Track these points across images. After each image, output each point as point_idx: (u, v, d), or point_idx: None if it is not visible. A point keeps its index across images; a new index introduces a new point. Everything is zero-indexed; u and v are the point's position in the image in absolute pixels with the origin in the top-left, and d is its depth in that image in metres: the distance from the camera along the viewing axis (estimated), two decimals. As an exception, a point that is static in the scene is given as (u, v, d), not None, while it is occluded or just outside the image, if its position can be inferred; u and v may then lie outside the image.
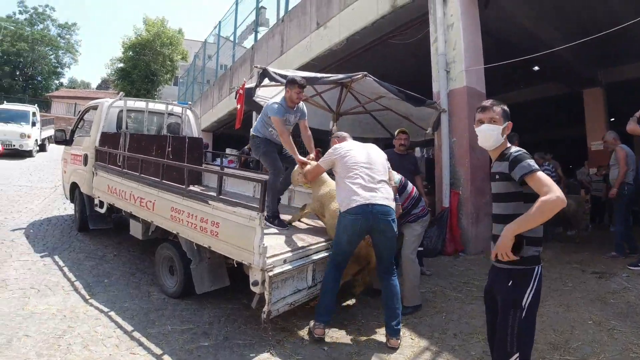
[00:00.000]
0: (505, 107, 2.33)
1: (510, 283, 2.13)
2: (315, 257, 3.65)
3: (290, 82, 4.40)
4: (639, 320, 3.77)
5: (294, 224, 4.48)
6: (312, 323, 3.49)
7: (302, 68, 9.91)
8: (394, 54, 9.57)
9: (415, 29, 8.14)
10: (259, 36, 14.16)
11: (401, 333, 3.47)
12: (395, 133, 5.51)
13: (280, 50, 11.87)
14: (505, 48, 8.73)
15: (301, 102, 4.62)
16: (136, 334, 3.42)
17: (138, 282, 4.67)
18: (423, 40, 7.46)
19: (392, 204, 3.44)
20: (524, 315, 2.08)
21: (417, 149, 6.98)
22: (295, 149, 4.38)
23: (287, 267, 3.32)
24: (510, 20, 8.39)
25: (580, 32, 6.25)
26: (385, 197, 3.39)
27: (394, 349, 3.29)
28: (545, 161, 8.13)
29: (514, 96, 13.19)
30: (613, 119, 11.81)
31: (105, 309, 3.89)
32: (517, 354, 2.07)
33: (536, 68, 11.02)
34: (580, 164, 11.42)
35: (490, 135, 2.28)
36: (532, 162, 2.09)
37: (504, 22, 8.39)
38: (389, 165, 3.77)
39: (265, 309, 3.10)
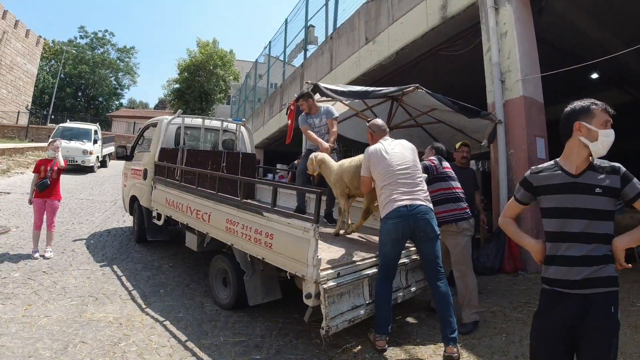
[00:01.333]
0: None
1: (612, 308, 1.87)
2: (369, 271, 3.58)
3: (298, 97, 5.50)
4: None
5: (346, 238, 4.44)
6: (372, 336, 3.47)
7: (352, 83, 9.97)
8: (444, 66, 9.41)
9: (466, 40, 7.97)
10: (308, 54, 14.39)
11: (459, 346, 3.33)
12: (457, 146, 5.36)
13: (330, 67, 11.99)
14: (562, 55, 8.42)
15: (327, 104, 5.62)
16: (189, 344, 3.48)
17: (192, 293, 4.77)
18: (474, 51, 7.28)
19: (430, 204, 3.48)
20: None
21: (472, 162, 6.75)
22: (318, 139, 5.24)
23: (341, 280, 3.28)
24: (566, 27, 8.05)
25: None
26: (423, 197, 3.45)
27: (452, 358, 3.19)
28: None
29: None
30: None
31: (161, 319, 3.99)
32: None
33: (595, 75, 10.51)
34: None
35: (611, 141, 1.96)
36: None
37: (560, 28, 8.06)
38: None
39: (324, 324, 3.07)
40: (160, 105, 49.75)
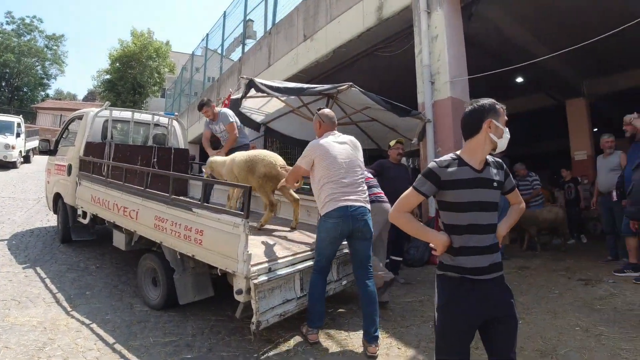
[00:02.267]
0: None
1: (508, 288, 2.07)
2: (301, 266, 3.61)
3: (199, 107, 6.08)
4: (627, 325, 3.77)
5: (278, 233, 4.47)
6: (304, 329, 3.51)
7: (290, 79, 9.97)
8: (381, 65, 9.67)
9: (400, 41, 8.24)
10: (247, 48, 14.22)
11: (384, 342, 3.46)
12: (392, 143, 5.53)
13: (268, 63, 11.93)
14: (490, 59, 8.86)
15: (221, 110, 6.11)
16: (118, 347, 3.36)
17: (121, 294, 4.60)
18: (409, 52, 7.54)
19: (369, 205, 3.52)
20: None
21: (403, 159, 7.01)
22: (207, 148, 6.10)
23: (273, 275, 3.28)
24: (495, 32, 8.53)
25: (565, 43, 6.39)
26: (364, 198, 3.46)
27: (373, 357, 3.25)
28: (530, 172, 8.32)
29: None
30: (596, 129, 12.01)
31: (87, 321, 3.82)
32: None
33: (520, 79, 11.24)
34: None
35: (509, 138, 2.11)
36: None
37: (489, 33, 8.53)
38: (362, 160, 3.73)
39: (254, 319, 3.06)
40: (90, 97, 47.02)
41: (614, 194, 5.73)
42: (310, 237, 4.25)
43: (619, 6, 7.22)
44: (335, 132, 3.69)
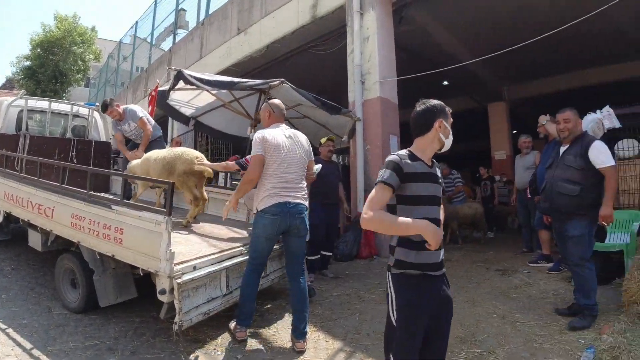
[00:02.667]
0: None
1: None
2: (228, 263, 3.56)
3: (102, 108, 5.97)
4: (541, 312, 4.04)
5: (205, 230, 4.42)
6: (232, 325, 3.46)
7: (222, 73, 9.80)
8: (314, 63, 9.77)
9: (334, 40, 8.38)
10: (178, 38, 13.80)
11: (312, 335, 3.52)
12: (323, 140, 5.58)
13: (200, 54, 11.65)
14: (419, 63, 9.23)
15: (127, 107, 5.95)
16: (36, 352, 3.17)
17: (38, 297, 4.33)
18: (342, 51, 7.69)
19: (307, 202, 3.49)
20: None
21: (333, 157, 7.16)
22: (122, 149, 5.91)
23: (198, 273, 3.21)
24: (423, 36, 8.90)
25: (489, 51, 6.82)
26: (302, 195, 3.43)
27: (302, 352, 3.28)
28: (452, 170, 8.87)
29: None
30: (515, 131, 12.89)
31: (3, 326, 3.58)
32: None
33: (446, 83, 11.81)
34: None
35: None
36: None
37: (418, 37, 8.88)
38: (312, 154, 3.68)
39: (177, 319, 2.97)
40: (8, 85, 43.23)
41: (528, 190, 6.22)
42: (238, 234, 4.23)
43: (537, 18, 7.83)
44: (283, 124, 3.61)
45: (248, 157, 4.42)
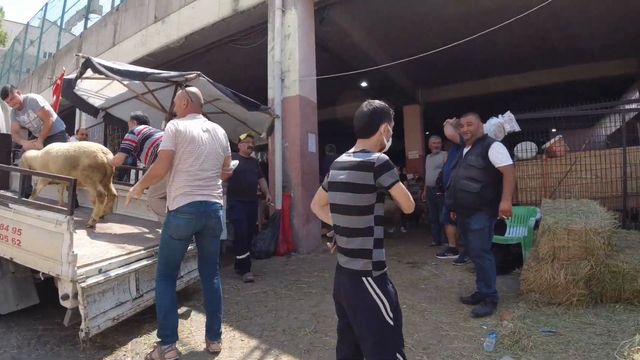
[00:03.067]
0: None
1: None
2: (137, 265, 3.41)
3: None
4: (447, 302, 4.29)
5: (113, 231, 4.21)
6: (158, 348, 2.99)
7: (136, 63, 9.31)
8: (235, 57, 9.62)
9: (255, 36, 8.30)
10: (90, 23, 12.93)
11: (228, 335, 3.48)
12: (242, 137, 5.49)
13: (113, 41, 10.99)
14: (339, 63, 9.46)
15: (28, 96, 5.45)
16: None
17: None
18: (263, 47, 7.64)
19: (222, 201, 3.28)
20: None
21: (252, 153, 7.11)
22: (19, 140, 5.48)
23: (103, 276, 3.03)
24: (343, 38, 9.08)
25: (405, 55, 7.13)
26: (218, 194, 3.21)
27: (217, 353, 3.19)
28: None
29: (346, 109, 14.43)
30: (427, 133, 13.61)
31: None
32: None
33: (364, 84, 12.17)
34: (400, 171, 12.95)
35: None
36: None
37: (338, 38, 9.04)
38: (229, 149, 3.46)
39: (83, 325, 2.78)
40: None
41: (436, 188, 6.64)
42: (147, 233, 4.07)
43: (447, 27, 8.33)
44: (201, 115, 3.31)
45: (132, 137, 4.20)
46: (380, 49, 10.04)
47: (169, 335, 3.00)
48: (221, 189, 3.28)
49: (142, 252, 3.58)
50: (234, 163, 3.95)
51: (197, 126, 3.14)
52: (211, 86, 5.64)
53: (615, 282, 3.87)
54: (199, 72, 5.45)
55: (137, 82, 5.92)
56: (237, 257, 5.26)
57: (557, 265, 3.94)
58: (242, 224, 5.24)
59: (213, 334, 3.23)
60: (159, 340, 3.00)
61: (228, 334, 3.54)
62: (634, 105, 10.73)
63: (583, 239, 3.84)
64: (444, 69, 11.31)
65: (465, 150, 4.24)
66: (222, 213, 3.26)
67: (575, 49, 10.55)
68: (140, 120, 4.60)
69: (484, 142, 4.07)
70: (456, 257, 5.95)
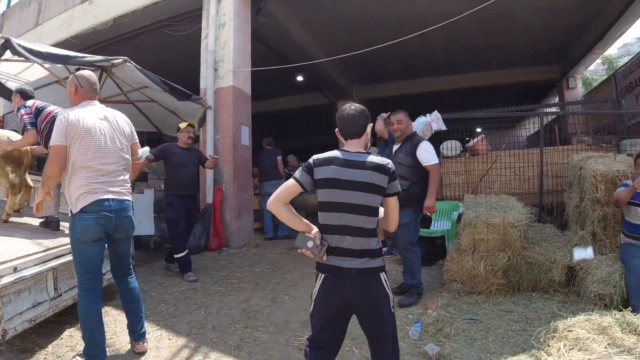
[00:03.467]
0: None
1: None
2: (55, 262, 3.16)
3: None
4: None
5: (29, 226, 3.91)
6: None
7: (60, 45, 8.65)
8: (168, 44, 9.21)
9: (189, 22, 7.99)
10: (13, 1, 11.91)
11: (154, 334, 3.36)
12: (183, 126, 5.21)
13: (36, 21, 10.15)
14: (275, 56, 9.38)
15: None
16: None
17: None
18: (197, 35, 7.38)
19: (131, 197, 2.98)
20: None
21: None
22: None
23: (19, 275, 2.76)
24: (280, 30, 9.00)
25: (341, 52, 7.17)
26: (127, 190, 2.91)
27: (143, 353, 3.06)
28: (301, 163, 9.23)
29: (281, 103, 14.42)
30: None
31: None
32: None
33: (300, 78, 12.19)
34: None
35: None
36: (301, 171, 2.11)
37: (275, 30, 8.95)
38: (136, 136, 3.15)
39: None
40: None
41: None
42: (66, 229, 3.81)
43: (385, 26, 8.51)
44: (96, 102, 2.95)
45: (27, 110, 3.67)
46: (317, 43, 10.07)
47: (96, 355, 2.73)
48: (129, 184, 2.98)
49: (61, 248, 3.33)
50: (144, 150, 3.48)
51: (93, 114, 2.81)
52: (139, 73, 5.37)
53: (531, 272, 4.17)
54: (126, 58, 5.17)
55: (59, 65, 5.51)
56: (175, 256, 4.98)
57: (477, 256, 4.17)
58: (179, 222, 4.96)
59: (136, 334, 3.07)
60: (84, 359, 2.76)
61: (155, 333, 3.42)
62: (553, 109, 11.61)
63: (501, 232, 4.09)
64: (378, 67, 11.69)
65: (395, 147, 4.38)
66: (132, 211, 2.98)
67: (502, 55, 11.34)
68: (26, 95, 3.98)
69: (412, 141, 4.21)
70: (384, 249, 6.10)
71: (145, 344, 3.11)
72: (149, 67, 5.59)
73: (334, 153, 2.11)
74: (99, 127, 2.78)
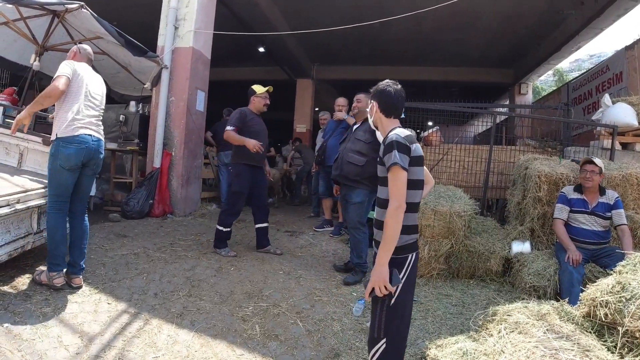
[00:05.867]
0: (374, 87, 2.27)
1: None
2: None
3: None
4: (321, 269, 4.53)
5: None
6: (44, 277, 3.23)
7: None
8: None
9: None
10: None
11: (92, 298, 3.27)
12: (259, 90, 4.79)
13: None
14: (240, 23, 9.06)
15: None
16: None
17: None
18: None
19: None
20: (392, 302, 1.99)
21: (133, 103, 6.47)
22: None
23: None
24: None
25: (305, 28, 7.03)
26: (102, 134, 3.46)
27: (80, 287, 3.31)
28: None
29: (240, 73, 14.07)
30: (317, 109, 13.87)
31: None
32: (383, 340, 1.99)
33: (262, 50, 11.97)
34: (286, 142, 13.05)
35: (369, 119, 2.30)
36: (400, 154, 1.97)
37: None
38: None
39: None
40: None
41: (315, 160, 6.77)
42: (5, 180, 3.53)
43: (351, 9, 8.46)
44: (88, 66, 3.55)
45: None
46: (283, 16, 9.85)
47: (58, 264, 3.21)
48: (102, 129, 3.49)
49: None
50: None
51: (89, 71, 3.46)
52: (95, 22, 4.98)
53: (470, 260, 4.40)
54: (83, 3, 4.79)
55: (10, 6, 5.00)
56: (219, 227, 4.67)
57: (422, 241, 4.32)
58: (242, 198, 4.73)
59: (78, 268, 3.32)
60: (46, 267, 3.21)
61: (93, 296, 3.32)
62: (505, 110, 12.13)
63: (447, 220, 4.26)
64: (340, 49, 11.79)
65: (355, 126, 4.47)
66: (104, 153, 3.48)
67: (462, 52, 11.68)
68: None
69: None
70: (332, 229, 6.18)
71: (82, 280, 3.37)
72: (104, 15, 5.20)
73: (406, 130, 2.09)
74: (94, 80, 3.49)
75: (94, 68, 3.69)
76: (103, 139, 3.45)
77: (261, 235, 4.93)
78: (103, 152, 3.45)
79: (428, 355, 2.43)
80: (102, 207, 6.62)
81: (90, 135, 3.26)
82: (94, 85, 3.46)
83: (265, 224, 4.93)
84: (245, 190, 4.67)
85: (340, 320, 3.34)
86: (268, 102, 4.82)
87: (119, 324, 2.96)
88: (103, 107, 3.56)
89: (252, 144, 4.38)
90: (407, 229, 2.00)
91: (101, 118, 3.50)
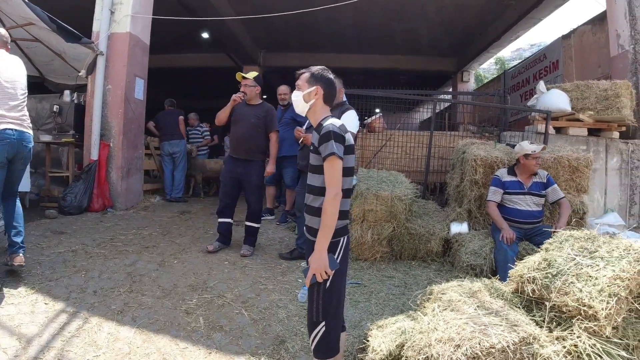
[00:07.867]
0: (316, 72, 2.19)
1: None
2: None
3: None
4: (267, 257, 4.55)
5: None
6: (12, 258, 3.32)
7: None
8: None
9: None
10: None
11: (29, 298, 3.16)
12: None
13: None
14: (182, 7, 8.74)
15: None
16: None
17: None
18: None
19: (31, 131, 3.44)
20: (328, 285, 2.04)
21: (67, 93, 6.12)
22: None
23: None
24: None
25: (251, 14, 6.89)
26: (28, 124, 3.38)
27: (22, 266, 3.35)
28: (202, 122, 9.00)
29: (182, 59, 13.69)
30: (265, 96, 13.74)
31: None
32: (323, 323, 2.05)
33: (206, 35, 11.70)
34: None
35: (295, 101, 2.20)
36: (336, 144, 2.00)
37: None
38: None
39: None
40: None
41: None
42: None
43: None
44: (3, 51, 3.43)
45: None
46: (227, 1, 9.61)
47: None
48: (29, 119, 3.44)
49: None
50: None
51: (2, 59, 3.34)
52: (25, 7, 4.71)
53: (412, 242, 4.59)
54: None
55: None
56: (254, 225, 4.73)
57: (365, 226, 4.45)
58: (223, 184, 4.78)
59: (16, 247, 3.34)
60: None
61: (30, 297, 3.19)
62: (447, 97, 12.52)
63: (389, 204, 4.39)
64: (286, 35, 11.76)
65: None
66: (32, 144, 3.43)
67: (408, 41, 11.93)
68: None
69: (341, 108, 4.35)
70: (272, 217, 6.25)
71: (24, 260, 3.37)
72: (35, 2, 4.91)
73: (336, 119, 2.12)
74: (4, 68, 3.29)
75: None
76: (28, 130, 3.37)
77: (245, 233, 4.79)
78: (30, 144, 3.39)
79: (370, 335, 2.51)
80: (38, 203, 6.28)
81: (14, 129, 3.22)
82: (8, 72, 3.31)
83: (249, 223, 4.74)
84: (223, 178, 4.75)
85: (286, 307, 3.39)
86: (243, 89, 4.82)
87: (57, 324, 2.88)
88: (24, 92, 3.42)
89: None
90: (341, 214, 2.07)
91: (24, 106, 3.39)
